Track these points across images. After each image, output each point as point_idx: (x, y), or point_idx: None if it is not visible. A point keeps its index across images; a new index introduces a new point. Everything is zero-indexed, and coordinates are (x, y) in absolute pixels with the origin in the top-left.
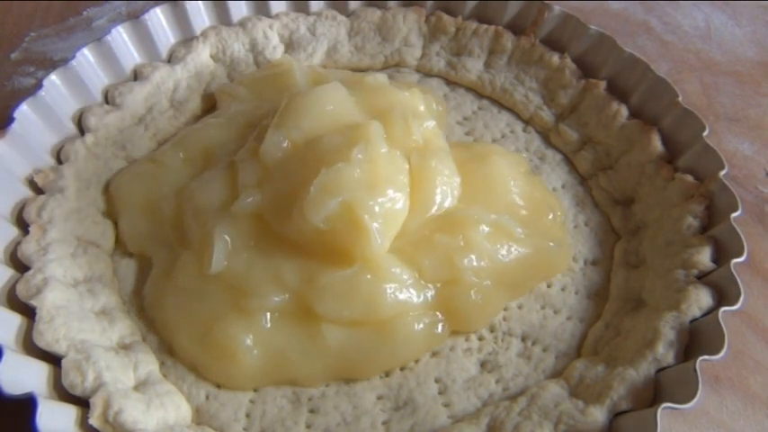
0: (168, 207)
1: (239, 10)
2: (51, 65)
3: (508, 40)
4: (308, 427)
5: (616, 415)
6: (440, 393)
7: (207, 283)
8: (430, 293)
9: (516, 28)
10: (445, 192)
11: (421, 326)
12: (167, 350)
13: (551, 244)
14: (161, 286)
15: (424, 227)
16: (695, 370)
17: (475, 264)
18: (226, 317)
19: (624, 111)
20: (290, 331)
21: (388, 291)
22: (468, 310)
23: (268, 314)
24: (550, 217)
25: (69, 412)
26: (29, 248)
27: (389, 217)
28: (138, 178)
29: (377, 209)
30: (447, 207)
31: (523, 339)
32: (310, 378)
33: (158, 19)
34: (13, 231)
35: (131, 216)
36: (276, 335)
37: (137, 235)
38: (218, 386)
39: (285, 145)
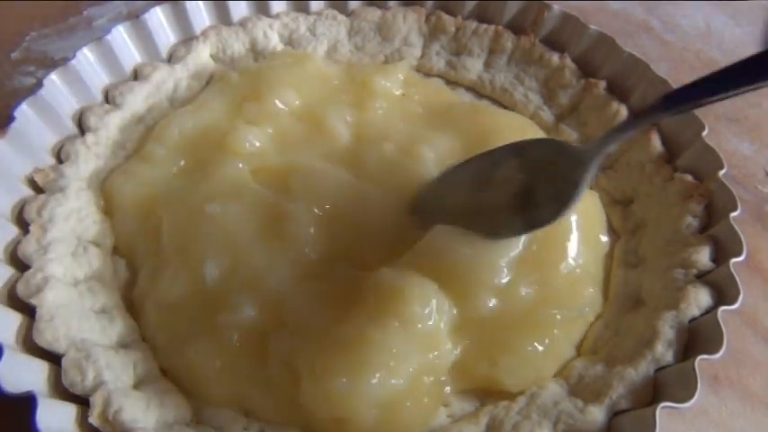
0: (154, 213)
1: (239, 9)
2: (52, 64)
3: (508, 39)
4: None
5: (615, 414)
6: None
7: (183, 303)
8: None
9: (516, 28)
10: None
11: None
12: None
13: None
14: (143, 298)
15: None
16: (694, 369)
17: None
18: (197, 340)
19: (624, 110)
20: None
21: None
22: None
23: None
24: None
25: (69, 411)
26: (29, 248)
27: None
28: (130, 178)
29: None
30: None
31: None
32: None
33: (158, 18)
34: (13, 230)
35: (122, 218)
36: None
37: (126, 239)
38: None
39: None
